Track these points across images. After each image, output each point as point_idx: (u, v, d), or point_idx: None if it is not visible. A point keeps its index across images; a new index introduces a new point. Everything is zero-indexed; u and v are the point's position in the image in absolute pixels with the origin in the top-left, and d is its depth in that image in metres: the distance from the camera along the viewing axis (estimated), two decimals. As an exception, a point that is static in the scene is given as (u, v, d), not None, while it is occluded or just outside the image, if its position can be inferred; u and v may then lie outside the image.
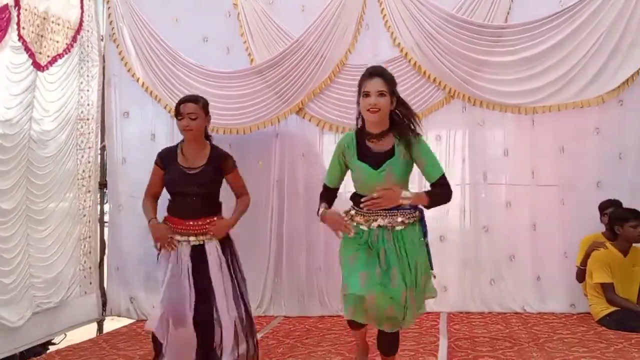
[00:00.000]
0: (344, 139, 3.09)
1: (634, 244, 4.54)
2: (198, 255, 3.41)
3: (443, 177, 3.01)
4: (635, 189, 4.92)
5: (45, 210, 4.87)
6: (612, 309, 4.42)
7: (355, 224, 2.98)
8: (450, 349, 4.02)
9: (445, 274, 5.24)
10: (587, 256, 4.64)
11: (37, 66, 4.72)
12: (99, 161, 5.63)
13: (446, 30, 5.18)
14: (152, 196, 3.57)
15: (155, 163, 3.56)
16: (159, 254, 3.48)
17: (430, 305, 5.12)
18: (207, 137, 3.62)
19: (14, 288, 4.39)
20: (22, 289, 4.49)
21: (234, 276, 3.51)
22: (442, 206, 5.10)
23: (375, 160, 2.95)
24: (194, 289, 3.37)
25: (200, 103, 3.50)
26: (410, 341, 4.22)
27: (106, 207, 5.87)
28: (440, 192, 3.01)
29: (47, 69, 4.85)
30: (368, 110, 2.88)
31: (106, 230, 5.75)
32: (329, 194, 3.14)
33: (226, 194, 3.66)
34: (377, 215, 2.93)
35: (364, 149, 2.98)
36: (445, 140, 5.38)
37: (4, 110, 4.40)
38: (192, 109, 3.42)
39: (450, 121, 5.37)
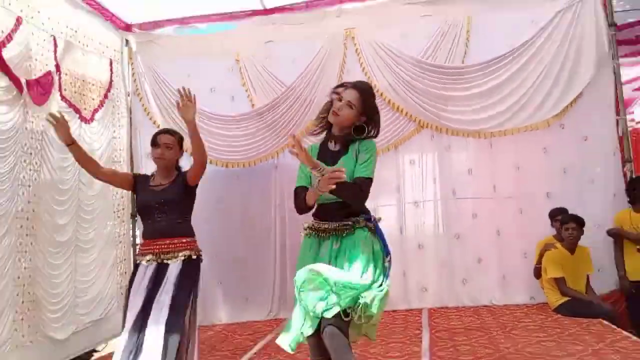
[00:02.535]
0: (310, 147, 2.78)
1: (579, 244, 4.56)
2: (161, 273, 3.08)
3: (366, 179, 2.60)
4: (578, 198, 4.94)
5: (91, 240, 4.92)
6: (565, 299, 4.45)
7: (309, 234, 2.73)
8: (431, 339, 4.03)
9: (425, 276, 5.31)
10: (541, 256, 4.68)
11: (84, 119, 4.85)
12: (130, 195, 5.63)
13: (414, 72, 5.28)
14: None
15: (132, 175, 3.46)
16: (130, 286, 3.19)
17: (413, 303, 5.23)
18: (178, 168, 3.37)
19: (61, 308, 4.43)
20: (68, 308, 4.53)
21: (183, 292, 3.05)
22: (419, 219, 5.37)
23: (331, 157, 2.68)
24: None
25: (176, 136, 3.31)
26: (397, 334, 4.25)
27: (137, 233, 5.93)
28: (351, 186, 2.56)
29: (91, 122, 4.97)
30: (332, 112, 2.66)
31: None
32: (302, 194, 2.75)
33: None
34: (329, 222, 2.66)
35: (325, 149, 2.75)
36: (418, 163, 5.42)
37: (61, 159, 4.50)
38: (168, 140, 3.25)
39: (421, 147, 5.42)
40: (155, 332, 2.90)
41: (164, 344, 2.86)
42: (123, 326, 3.06)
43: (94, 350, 5.14)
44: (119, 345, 3.00)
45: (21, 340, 4.00)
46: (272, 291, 5.49)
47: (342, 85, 2.76)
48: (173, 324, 2.93)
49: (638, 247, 4.02)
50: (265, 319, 5.38)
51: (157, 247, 3.13)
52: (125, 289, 5.40)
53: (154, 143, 3.27)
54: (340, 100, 2.66)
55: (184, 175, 3.28)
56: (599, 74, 5.04)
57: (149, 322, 2.94)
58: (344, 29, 5.46)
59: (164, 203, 3.17)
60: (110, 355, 4.58)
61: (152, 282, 3.05)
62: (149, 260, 3.12)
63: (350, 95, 2.65)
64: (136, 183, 3.35)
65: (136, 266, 3.23)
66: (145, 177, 3.40)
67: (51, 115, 3.24)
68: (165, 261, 3.10)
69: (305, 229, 2.76)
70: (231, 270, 5.41)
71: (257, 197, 5.62)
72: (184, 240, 3.18)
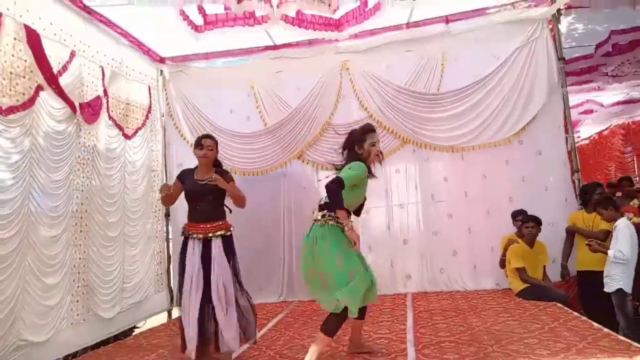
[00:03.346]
0: (363, 167, 2.92)
1: (537, 239, 4.55)
2: (206, 247, 3.27)
3: None
4: (535, 202, 4.93)
5: (136, 235, 4.95)
6: (525, 285, 4.43)
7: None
8: (415, 319, 4.02)
9: (409, 266, 5.30)
10: (505, 249, 4.66)
11: (126, 136, 4.88)
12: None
13: (398, 98, 5.32)
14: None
15: (177, 177, 3.48)
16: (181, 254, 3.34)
17: (399, 289, 5.23)
18: (216, 165, 3.50)
19: (111, 292, 4.46)
20: (117, 292, 4.55)
21: (230, 264, 3.31)
22: (404, 218, 5.37)
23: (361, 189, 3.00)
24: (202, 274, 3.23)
25: (214, 140, 3.47)
26: (386, 315, 4.23)
27: (170, 230, 5.91)
28: None
29: (133, 138, 5.00)
30: (377, 154, 2.97)
31: (170, 245, 5.75)
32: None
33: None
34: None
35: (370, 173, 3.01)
36: (402, 172, 5.43)
37: (107, 169, 4.54)
38: (210, 143, 3.39)
39: (405, 159, 5.43)
40: (219, 298, 3.17)
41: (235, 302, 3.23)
42: (180, 289, 3.28)
43: (135, 327, 5.13)
44: (185, 303, 3.22)
45: (76, 319, 4.03)
46: (282, 277, 5.49)
47: (370, 130, 2.99)
48: (239, 285, 3.33)
49: (587, 242, 4.02)
50: (276, 301, 5.38)
51: (202, 228, 3.29)
52: (169, 262, 5.57)
53: (199, 145, 3.39)
54: (375, 145, 2.97)
55: (222, 173, 3.39)
56: (550, 99, 5.08)
57: (212, 285, 3.19)
58: (340, 61, 5.50)
59: (206, 195, 3.32)
60: (148, 331, 4.64)
61: (200, 255, 3.25)
62: (197, 237, 3.29)
63: (377, 137, 3.02)
64: (183, 178, 3.45)
65: (186, 239, 3.34)
66: (189, 170, 3.48)
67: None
68: (208, 238, 3.29)
69: (338, 222, 2.88)
70: (248, 261, 5.29)
71: (268, 201, 5.62)
72: (220, 222, 3.35)
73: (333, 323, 2.82)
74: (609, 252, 3.73)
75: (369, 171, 3.00)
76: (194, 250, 3.27)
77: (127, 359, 3.59)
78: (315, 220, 2.94)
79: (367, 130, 3.01)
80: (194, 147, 3.44)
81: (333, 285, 2.79)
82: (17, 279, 3.35)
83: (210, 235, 3.28)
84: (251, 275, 5.36)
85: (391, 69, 5.45)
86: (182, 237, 3.37)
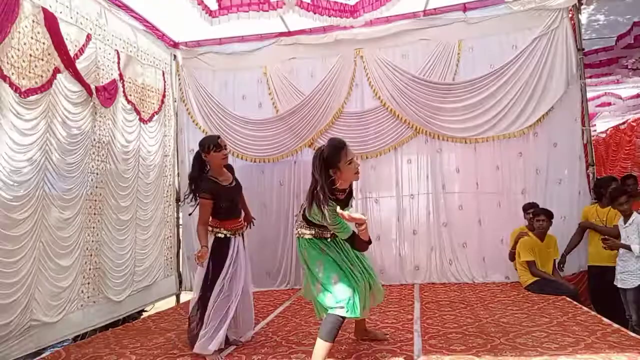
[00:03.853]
0: (335, 208, 2.59)
1: (548, 233, 4.52)
2: (240, 243, 3.39)
3: None
4: (548, 195, 4.92)
5: (148, 219, 5.01)
6: (535, 279, 4.41)
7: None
8: (422, 309, 4.02)
9: (417, 257, 5.29)
10: (515, 242, 4.64)
11: (142, 120, 4.92)
12: (176, 183, 5.74)
13: (412, 87, 5.26)
14: (205, 224, 3.24)
15: (205, 198, 3.19)
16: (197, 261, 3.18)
17: (407, 279, 5.24)
18: None
19: (123, 276, 4.52)
20: (128, 276, 4.62)
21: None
22: (414, 209, 5.36)
23: (342, 203, 2.71)
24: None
25: None
26: (394, 305, 4.24)
27: (180, 215, 5.98)
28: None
29: (149, 122, 5.04)
30: (356, 173, 2.66)
31: (180, 230, 5.80)
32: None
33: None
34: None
35: (337, 201, 2.67)
36: (414, 162, 5.39)
37: (123, 152, 4.59)
38: (225, 143, 3.37)
39: (417, 149, 5.38)
40: (245, 285, 3.38)
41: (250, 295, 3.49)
42: (212, 284, 3.23)
43: (143, 310, 5.22)
44: (219, 296, 3.22)
45: (86, 300, 4.11)
46: (289, 265, 5.52)
47: (341, 148, 2.63)
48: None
49: (602, 238, 3.98)
50: (284, 288, 5.41)
51: (237, 225, 3.42)
52: (179, 246, 5.65)
53: (219, 147, 3.26)
54: (352, 162, 2.67)
55: (236, 178, 3.50)
56: (568, 91, 4.99)
57: (243, 278, 3.37)
58: (354, 48, 5.45)
59: (236, 195, 3.47)
60: (157, 314, 4.70)
61: (236, 251, 3.37)
62: (235, 235, 3.39)
63: (353, 153, 2.71)
64: (214, 193, 3.24)
65: (227, 239, 3.31)
66: (212, 183, 3.27)
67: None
68: (241, 235, 3.45)
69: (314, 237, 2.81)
70: (256, 248, 5.32)
71: (277, 188, 5.63)
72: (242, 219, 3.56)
73: (328, 327, 2.65)
74: (634, 247, 3.66)
75: (337, 199, 2.69)
76: (237, 246, 3.35)
77: (135, 342, 3.63)
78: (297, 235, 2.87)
79: (339, 147, 2.61)
80: (212, 150, 3.22)
81: (316, 293, 2.76)
82: (31, 260, 3.42)
83: (240, 232, 3.44)
84: (259, 262, 5.40)
85: (406, 57, 5.40)
86: (220, 235, 3.28)
